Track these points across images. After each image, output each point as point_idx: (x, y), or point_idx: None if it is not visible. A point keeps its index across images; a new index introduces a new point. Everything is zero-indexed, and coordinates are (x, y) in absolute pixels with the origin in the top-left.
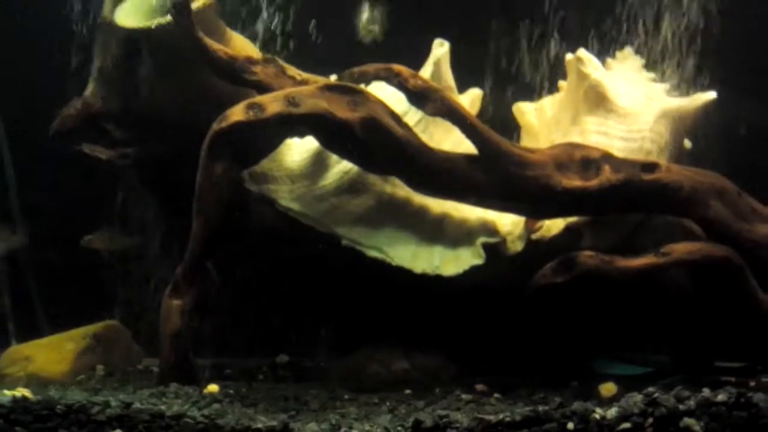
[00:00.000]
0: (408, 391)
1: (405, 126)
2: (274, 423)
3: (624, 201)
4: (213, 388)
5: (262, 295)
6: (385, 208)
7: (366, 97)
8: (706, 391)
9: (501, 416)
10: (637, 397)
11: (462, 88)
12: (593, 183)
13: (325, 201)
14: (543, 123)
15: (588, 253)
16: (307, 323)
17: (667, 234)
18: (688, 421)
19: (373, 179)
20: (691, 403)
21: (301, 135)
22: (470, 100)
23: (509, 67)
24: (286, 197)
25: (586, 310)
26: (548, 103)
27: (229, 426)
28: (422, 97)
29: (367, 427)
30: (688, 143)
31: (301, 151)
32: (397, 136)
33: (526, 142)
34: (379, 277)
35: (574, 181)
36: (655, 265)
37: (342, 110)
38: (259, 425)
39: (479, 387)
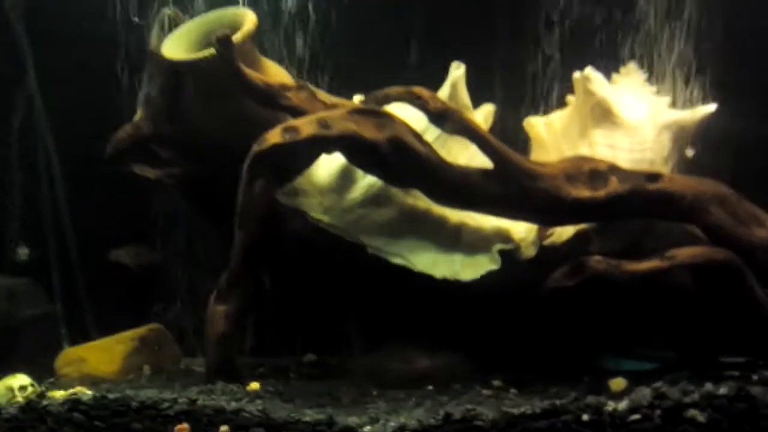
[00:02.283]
0: (430, 387)
1: (426, 144)
2: (322, 416)
3: (630, 209)
4: (254, 385)
5: (292, 299)
6: (407, 219)
7: (391, 119)
8: (708, 385)
9: (523, 409)
10: (645, 391)
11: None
12: (601, 193)
13: (352, 212)
14: (552, 136)
15: (597, 258)
16: (334, 324)
17: (671, 239)
18: (692, 412)
19: (396, 192)
20: (696, 395)
21: (330, 153)
22: (484, 115)
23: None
24: (316, 209)
25: (595, 310)
26: (557, 117)
27: (281, 419)
28: (441, 117)
29: (403, 419)
30: (690, 152)
31: (329, 167)
32: (419, 153)
33: (537, 154)
34: (402, 282)
35: (583, 192)
36: (660, 269)
37: (369, 131)
38: (308, 418)
39: (496, 383)
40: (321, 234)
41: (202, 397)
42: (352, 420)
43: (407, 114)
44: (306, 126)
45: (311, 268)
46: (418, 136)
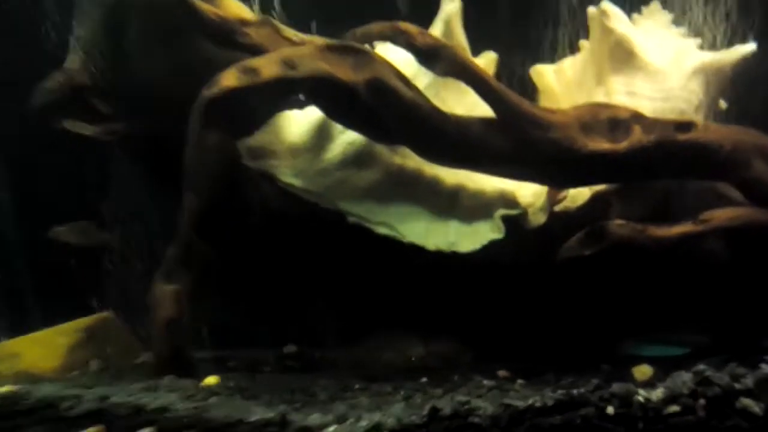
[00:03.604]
0: (424, 379)
1: (414, 88)
2: (271, 415)
3: (657, 165)
4: (211, 380)
5: (264, 281)
6: (395, 181)
7: (370, 57)
8: (765, 368)
9: (530, 402)
10: (685, 376)
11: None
12: (622, 145)
13: (330, 175)
14: (564, 85)
15: (619, 222)
16: (314, 310)
17: (702, 201)
18: (745, 401)
19: (381, 150)
20: (749, 381)
21: (300, 105)
22: (485, 64)
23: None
24: (287, 173)
25: (616, 285)
26: (569, 64)
27: (218, 420)
28: (432, 55)
29: (377, 417)
30: (723, 103)
31: (302, 123)
32: (406, 98)
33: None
34: (389, 257)
35: (601, 144)
36: (694, 233)
37: (345, 72)
38: (253, 418)
39: (502, 373)
40: (293, 201)
41: (131, 394)
42: (313, 419)
43: (393, 56)
44: (268, 66)
45: (281, 241)
46: (404, 79)
